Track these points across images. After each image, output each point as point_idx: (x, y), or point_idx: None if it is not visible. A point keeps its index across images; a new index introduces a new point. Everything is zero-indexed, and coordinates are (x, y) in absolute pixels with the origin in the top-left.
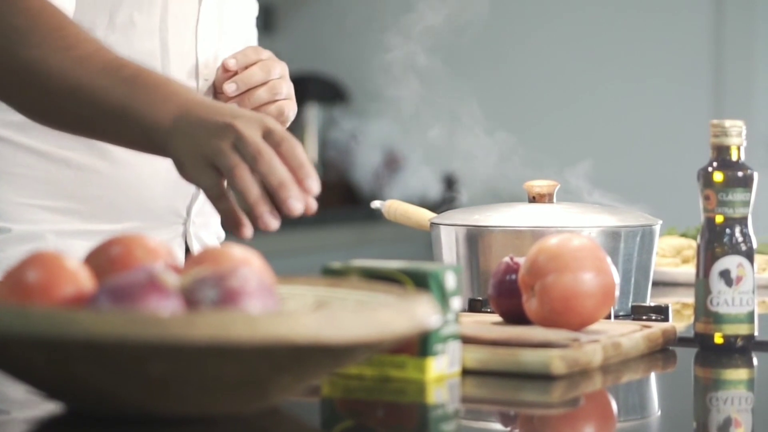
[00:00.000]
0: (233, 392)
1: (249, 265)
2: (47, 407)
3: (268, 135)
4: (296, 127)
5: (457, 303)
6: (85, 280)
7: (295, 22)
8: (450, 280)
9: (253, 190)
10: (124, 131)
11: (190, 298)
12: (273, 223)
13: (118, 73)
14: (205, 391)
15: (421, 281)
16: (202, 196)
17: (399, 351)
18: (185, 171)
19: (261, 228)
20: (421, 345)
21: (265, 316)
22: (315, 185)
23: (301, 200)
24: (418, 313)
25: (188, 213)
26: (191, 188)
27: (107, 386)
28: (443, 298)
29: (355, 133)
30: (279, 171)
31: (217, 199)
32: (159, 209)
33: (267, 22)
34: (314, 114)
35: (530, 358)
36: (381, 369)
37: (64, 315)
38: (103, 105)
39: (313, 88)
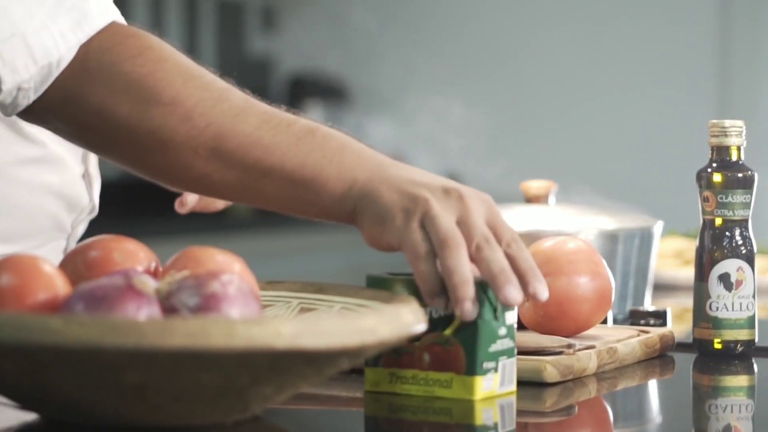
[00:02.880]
0: (212, 401)
1: (230, 269)
2: (19, 416)
3: (493, 222)
4: None
5: (512, 316)
6: (60, 285)
7: (297, 21)
8: None
9: (465, 272)
10: (300, 196)
11: (169, 303)
12: (473, 312)
13: (288, 129)
14: (183, 400)
15: None
16: (90, 213)
17: (446, 368)
18: (391, 229)
19: (457, 313)
20: (468, 362)
21: (244, 322)
22: (544, 292)
23: (521, 294)
24: (403, 319)
25: (72, 226)
26: (82, 203)
27: (81, 395)
28: (494, 311)
29: (356, 132)
30: (502, 260)
31: (426, 259)
32: (47, 226)
33: (268, 21)
34: (316, 113)
35: (522, 364)
36: (427, 388)
37: (34, 321)
38: (277, 167)
39: (314, 87)
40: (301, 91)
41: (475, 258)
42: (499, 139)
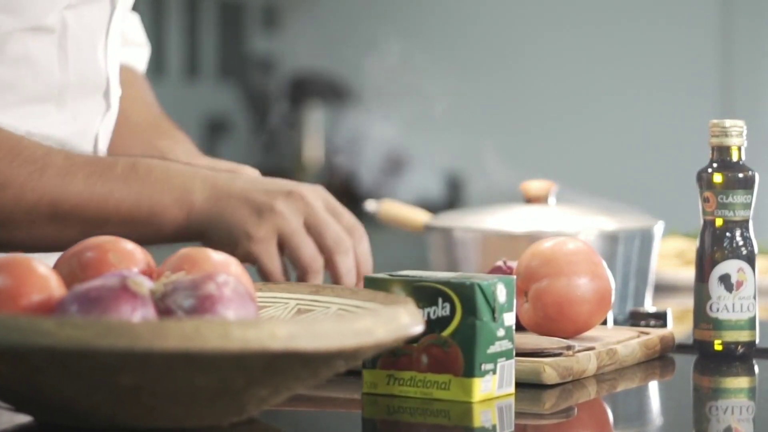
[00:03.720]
0: (207, 403)
1: (227, 270)
2: (14, 418)
3: (332, 209)
4: (299, 126)
5: (510, 318)
6: (55, 286)
7: (298, 21)
8: (501, 293)
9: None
10: (143, 232)
11: (164, 305)
12: None
13: (113, 173)
14: (178, 402)
15: (467, 294)
16: None
17: (444, 370)
18: (245, 247)
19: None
20: (466, 364)
21: (238, 324)
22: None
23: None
24: (401, 321)
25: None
26: None
27: (76, 397)
28: (493, 312)
29: (356, 131)
30: (350, 263)
31: (276, 277)
32: None
33: (269, 21)
34: (318, 113)
35: (521, 366)
36: (425, 390)
37: (28, 323)
38: (114, 214)
39: (315, 87)
40: (301, 91)
41: (328, 261)
42: (499, 139)
